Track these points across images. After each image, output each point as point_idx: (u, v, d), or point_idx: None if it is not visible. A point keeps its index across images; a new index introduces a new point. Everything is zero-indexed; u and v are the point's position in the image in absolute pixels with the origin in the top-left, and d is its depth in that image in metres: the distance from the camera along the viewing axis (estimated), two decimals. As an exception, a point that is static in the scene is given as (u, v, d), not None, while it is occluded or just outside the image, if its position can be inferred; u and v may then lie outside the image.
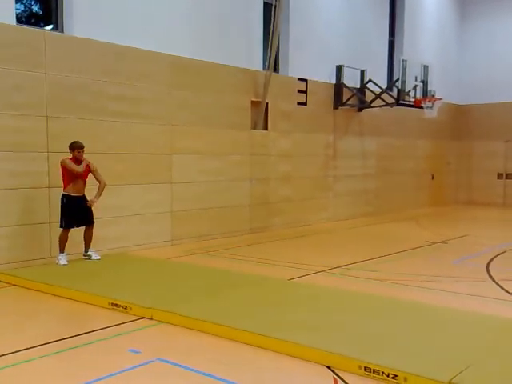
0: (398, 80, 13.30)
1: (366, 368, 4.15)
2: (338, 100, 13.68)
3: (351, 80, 13.81)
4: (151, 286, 6.69)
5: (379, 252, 9.44)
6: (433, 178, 17.84)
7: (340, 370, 4.26)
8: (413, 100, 13.48)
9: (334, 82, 13.66)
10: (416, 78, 13.48)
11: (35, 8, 9.14)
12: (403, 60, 13.21)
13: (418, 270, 8.09)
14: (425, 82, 13.66)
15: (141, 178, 9.50)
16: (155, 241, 9.74)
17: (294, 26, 12.53)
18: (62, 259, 7.86)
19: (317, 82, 13.10)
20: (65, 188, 7.88)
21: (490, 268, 8.27)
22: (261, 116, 11.70)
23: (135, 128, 9.37)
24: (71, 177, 7.85)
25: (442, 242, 10.72)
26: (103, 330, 5.28)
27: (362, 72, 14.09)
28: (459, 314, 5.63)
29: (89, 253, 8.22)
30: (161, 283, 6.84)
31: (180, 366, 4.38)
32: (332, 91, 13.64)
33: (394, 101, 13.47)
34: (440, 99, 13.86)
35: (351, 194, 14.44)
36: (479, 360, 4.27)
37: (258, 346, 4.76)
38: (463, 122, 18.88)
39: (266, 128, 11.94)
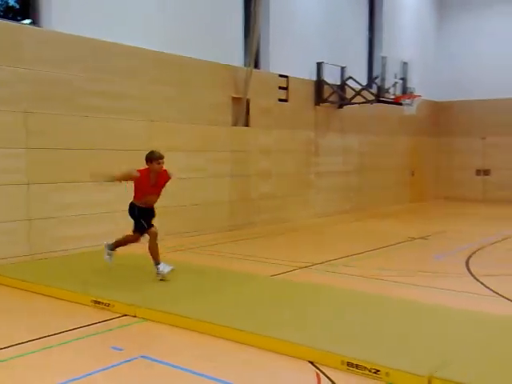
0: (377, 77, 13.40)
1: (348, 363, 4.18)
2: (318, 97, 13.74)
3: (331, 77, 13.86)
4: (134, 283, 6.65)
5: (361, 248, 9.50)
6: (413, 174, 18.00)
7: (323, 365, 4.29)
8: (393, 97, 13.59)
9: (314, 78, 13.71)
10: (395, 75, 13.59)
11: (11, 1, 8.97)
12: (383, 57, 13.31)
13: (398, 266, 8.17)
14: (404, 79, 13.78)
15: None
16: (136, 238, 9.66)
17: (274, 23, 12.53)
18: (166, 267, 6.73)
19: (298, 78, 13.13)
20: (135, 198, 6.82)
21: (470, 263, 8.38)
22: (242, 112, 11.69)
23: (116, 124, 9.29)
24: (142, 191, 6.72)
25: (422, 238, 10.83)
26: (85, 327, 5.23)
27: (342, 69, 14.15)
28: (440, 309, 5.69)
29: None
30: (143, 280, 6.79)
31: (164, 363, 4.37)
32: (313, 88, 13.68)
33: (373, 98, 13.56)
34: (419, 96, 14.00)
35: (333, 191, 14.50)
36: (459, 354, 4.33)
37: (242, 343, 4.76)
38: (442, 118, 19.08)
39: (247, 124, 11.93)
